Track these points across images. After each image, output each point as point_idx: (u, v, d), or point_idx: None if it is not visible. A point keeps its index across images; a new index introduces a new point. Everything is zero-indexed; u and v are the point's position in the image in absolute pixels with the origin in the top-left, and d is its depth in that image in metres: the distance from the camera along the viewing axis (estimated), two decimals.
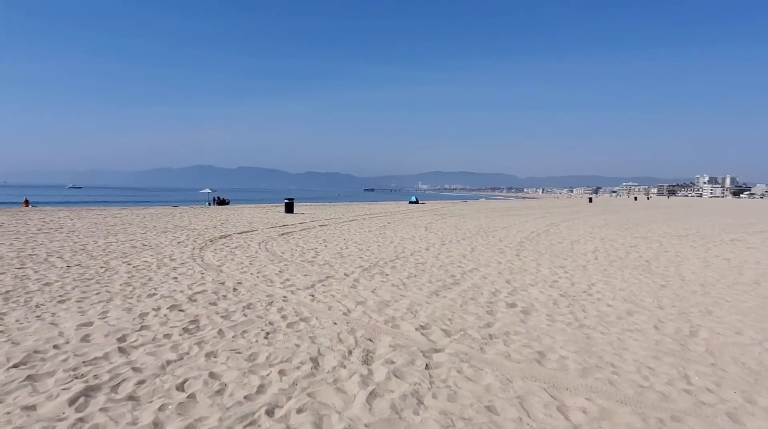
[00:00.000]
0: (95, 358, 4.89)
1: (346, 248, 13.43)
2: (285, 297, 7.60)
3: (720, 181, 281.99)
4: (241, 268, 10.06)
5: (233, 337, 5.67)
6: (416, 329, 6.08)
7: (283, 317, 6.50)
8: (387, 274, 9.63)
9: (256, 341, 5.55)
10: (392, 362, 4.98)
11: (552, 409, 4.05)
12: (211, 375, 4.57)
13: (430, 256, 12.16)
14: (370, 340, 5.65)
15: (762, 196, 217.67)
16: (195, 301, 7.25)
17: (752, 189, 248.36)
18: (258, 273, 9.52)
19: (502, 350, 5.43)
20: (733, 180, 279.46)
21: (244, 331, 5.87)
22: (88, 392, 4.13)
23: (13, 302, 6.91)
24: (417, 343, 5.57)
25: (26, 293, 7.43)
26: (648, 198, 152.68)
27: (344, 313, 6.76)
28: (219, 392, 4.23)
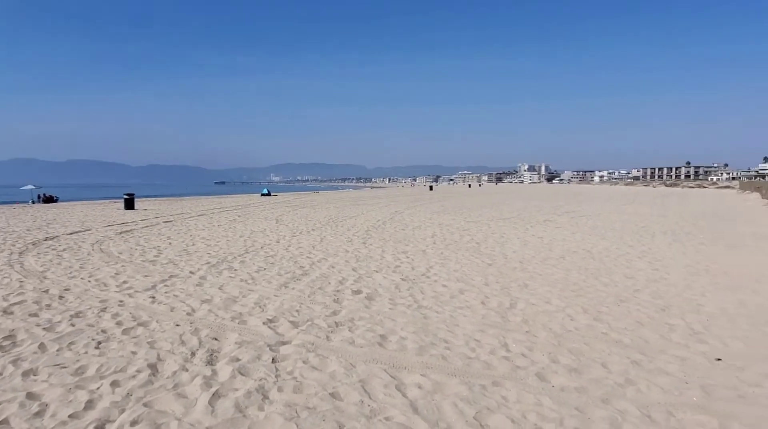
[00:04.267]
0: None
1: (193, 245, 12.67)
2: (121, 301, 6.94)
3: (537, 169, 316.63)
4: (70, 272, 8.98)
5: (58, 350, 5.04)
6: (264, 323, 5.94)
7: (118, 323, 5.92)
8: (236, 270, 9.28)
9: (86, 352, 4.99)
10: (238, 360, 4.81)
11: (391, 388, 4.22)
12: (29, 395, 4.01)
13: (280, 249, 11.98)
14: (216, 339, 5.40)
15: (569, 181, 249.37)
16: (11, 313, 6.31)
17: (561, 175, 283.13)
18: (90, 277, 8.57)
19: (347, 337, 5.53)
20: (547, 168, 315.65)
21: (71, 343, 5.25)
22: None
23: None
24: (264, 338, 5.45)
25: None
26: (480, 185, 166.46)
27: (188, 314, 6.37)
28: (38, 414, 3.73)
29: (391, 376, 4.46)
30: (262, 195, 51.82)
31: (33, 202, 40.90)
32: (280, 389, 4.18)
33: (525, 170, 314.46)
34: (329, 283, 8.21)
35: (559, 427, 3.63)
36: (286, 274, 8.85)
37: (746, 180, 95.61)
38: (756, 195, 41.90)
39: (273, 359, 4.85)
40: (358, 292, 7.61)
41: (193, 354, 4.96)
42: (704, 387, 4.36)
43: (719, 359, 5.03)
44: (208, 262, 10.03)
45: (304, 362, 4.77)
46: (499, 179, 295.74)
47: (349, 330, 5.76)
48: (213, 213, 25.09)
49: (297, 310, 6.53)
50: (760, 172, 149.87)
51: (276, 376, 4.44)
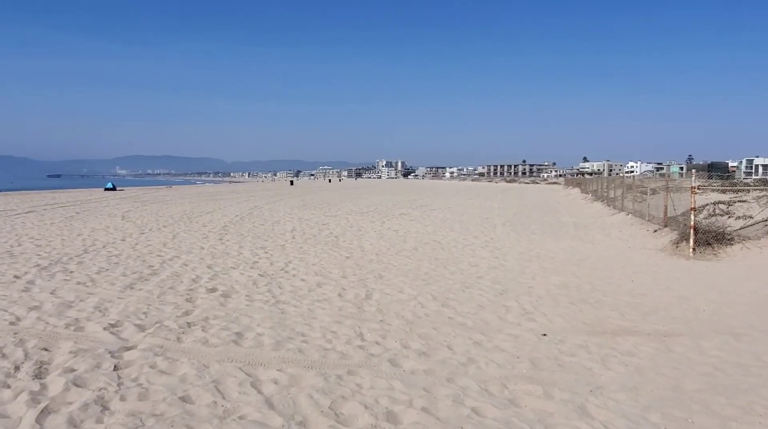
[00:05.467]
0: None
1: (19, 245, 11.10)
2: None
3: (394, 165, 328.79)
4: None
5: None
6: (104, 328, 5.42)
7: None
8: (72, 272, 8.32)
9: None
10: (73, 370, 4.33)
11: (246, 386, 4.12)
12: None
13: (126, 247, 11.00)
14: (45, 350, 4.80)
15: (423, 176, 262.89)
16: None
17: (416, 171, 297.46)
18: None
19: (201, 336, 5.27)
20: (403, 164, 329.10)
21: None
22: None
23: None
24: (105, 344, 4.97)
25: None
26: (340, 180, 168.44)
27: (11, 323, 5.57)
28: None
29: (246, 374, 4.35)
30: (106, 189, 47.09)
31: None
32: (122, 398, 3.85)
33: (383, 166, 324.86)
34: (182, 282, 7.74)
35: (408, 408, 3.84)
36: (132, 275, 8.16)
37: (570, 177, 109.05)
38: (577, 190, 47.86)
39: (115, 366, 4.45)
40: (213, 290, 7.28)
41: (17, 368, 4.36)
42: (532, 360, 4.90)
43: (545, 334, 5.69)
44: (38, 265, 8.86)
45: (151, 367, 4.46)
46: (358, 174, 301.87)
47: (202, 329, 5.49)
48: (45, 209, 22.22)
49: (144, 313, 6.06)
50: (580, 170, 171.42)
51: (118, 385, 4.08)
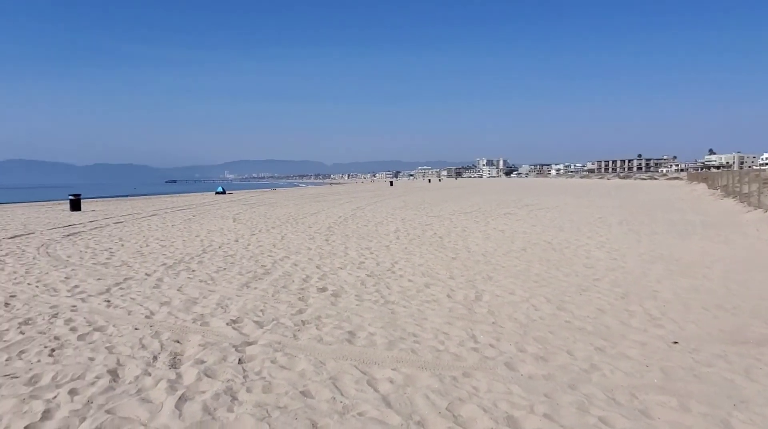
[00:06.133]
0: None
1: (147, 246, 12.33)
2: (74, 306, 6.70)
3: (495, 163, 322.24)
4: (15, 278, 8.59)
5: (7, 360, 4.84)
6: (227, 324, 5.86)
7: (72, 329, 5.72)
8: (194, 270, 9.09)
9: (38, 361, 4.80)
10: (203, 362, 4.74)
11: (362, 384, 4.25)
12: None
13: (240, 248, 11.80)
14: (178, 342, 5.29)
15: (527, 174, 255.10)
16: None
17: (519, 169, 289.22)
18: (38, 282, 8.23)
19: (315, 334, 5.52)
20: (505, 162, 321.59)
21: (22, 352, 5.04)
22: None
23: None
24: (228, 339, 5.38)
25: None
26: (439, 180, 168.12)
27: (147, 317, 6.21)
28: None
29: (362, 372, 4.49)
30: (217, 193, 50.82)
31: None
32: (248, 390, 4.14)
33: (483, 165, 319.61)
34: (293, 281, 8.16)
35: (529, 414, 3.75)
36: (247, 274, 8.74)
37: (693, 172, 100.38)
38: (703, 186, 43.98)
39: (239, 360, 4.79)
40: (323, 289, 7.59)
41: (155, 358, 4.85)
42: (663, 369, 4.58)
43: (676, 342, 5.28)
44: (164, 264, 9.78)
45: (272, 362, 4.74)
46: (458, 174, 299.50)
47: (316, 328, 5.75)
48: (166, 212, 24.46)
49: (261, 310, 6.47)
50: (706, 163, 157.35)
51: (244, 377, 4.39)
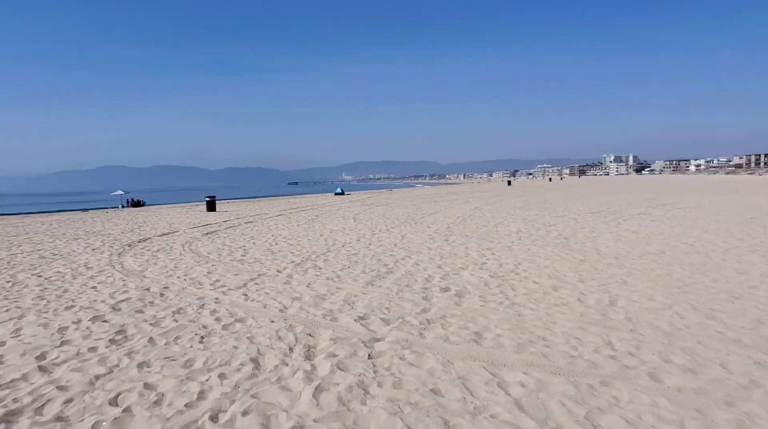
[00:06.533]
0: (12, 381, 4.54)
1: (276, 244, 13.21)
2: (217, 298, 7.39)
3: (624, 159, 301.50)
4: (166, 271, 9.65)
5: (165, 344, 5.46)
6: (355, 320, 6.12)
7: (217, 319, 6.32)
8: (320, 268, 9.58)
9: (191, 346, 5.37)
10: (335, 355, 4.99)
11: (493, 385, 4.23)
12: (146, 386, 4.38)
13: (362, 247, 12.23)
14: (310, 336, 5.63)
15: (660, 171, 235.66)
16: (119, 310, 6.89)
17: (652, 166, 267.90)
18: (185, 276, 9.17)
19: (441, 334, 5.58)
20: (635, 158, 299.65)
21: (177, 337, 5.66)
22: (8, 417, 3.84)
23: None
24: (357, 334, 5.61)
25: None
26: (561, 178, 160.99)
27: (280, 311, 6.67)
28: (156, 403, 4.07)
29: (491, 374, 4.46)
30: (336, 194, 52.99)
31: (123, 207, 44.13)
32: (380, 384, 4.30)
33: (611, 161, 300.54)
34: (416, 280, 8.30)
35: None
36: (370, 272, 9.04)
37: None
38: None
39: (369, 355, 4.99)
40: (446, 289, 7.64)
41: (291, 349, 5.20)
42: None
43: None
44: (293, 261, 10.42)
45: (400, 359, 4.88)
46: (582, 172, 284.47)
47: (441, 327, 5.81)
48: (290, 213, 25.98)
49: (387, 308, 6.66)
50: None
51: (374, 372, 4.57)
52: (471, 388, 4.18)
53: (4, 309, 7.06)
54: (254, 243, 13.62)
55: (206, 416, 3.81)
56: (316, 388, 4.23)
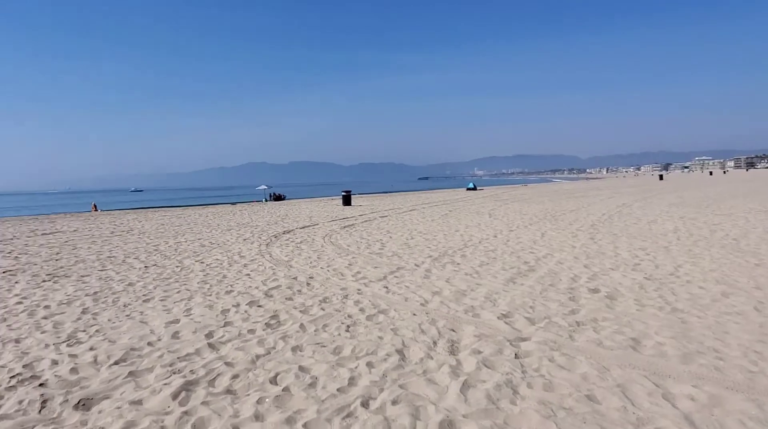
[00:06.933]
0: (188, 354, 5.15)
1: (412, 238, 13.47)
2: (359, 290, 7.72)
3: None
4: (310, 262, 10.29)
5: (315, 331, 5.82)
6: (498, 318, 6.04)
7: (361, 310, 6.60)
8: (458, 264, 9.60)
9: (339, 334, 5.67)
10: (479, 352, 4.98)
11: (657, 397, 3.94)
12: (301, 368, 4.71)
13: (500, 243, 12.03)
14: (453, 331, 5.66)
15: None
16: (271, 296, 7.48)
17: None
18: (328, 267, 9.71)
19: (593, 337, 5.31)
20: None
21: (325, 325, 6.01)
22: (188, 387, 4.35)
23: (102, 302, 7.36)
24: (501, 332, 5.54)
25: (113, 294, 7.90)
26: (724, 172, 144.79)
27: (422, 304, 6.80)
28: (311, 385, 4.36)
29: (654, 384, 4.16)
30: (468, 189, 52.64)
31: (266, 201, 47.83)
32: (529, 385, 4.21)
33: None
34: (560, 279, 7.98)
35: None
36: (510, 269, 8.86)
37: None
38: None
39: (516, 355, 4.90)
40: (595, 290, 7.25)
41: (434, 343, 5.28)
42: None
43: None
44: (430, 256, 10.55)
45: (549, 360, 4.73)
46: (750, 164, 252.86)
47: (593, 330, 5.52)
48: (423, 208, 26.31)
49: (531, 307, 6.49)
50: None
51: (522, 372, 4.48)
52: (632, 398, 3.93)
53: (176, 291, 8.01)
54: (390, 237, 14.00)
55: (358, 402, 4.00)
56: (463, 384, 4.25)
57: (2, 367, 4.87)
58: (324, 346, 5.29)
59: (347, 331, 5.78)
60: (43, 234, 17.73)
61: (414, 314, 6.32)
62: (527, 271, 8.74)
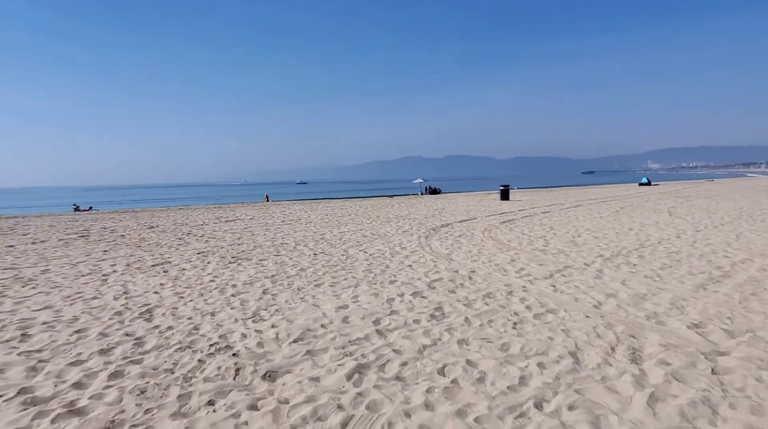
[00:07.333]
0: (358, 339, 5.41)
1: (579, 236, 12.77)
2: (524, 286, 7.51)
3: None
4: (471, 256, 10.24)
5: (480, 325, 5.77)
6: (688, 327, 5.46)
7: (527, 307, 6.41)
8: (634, 265, 8.88)
9: (505, 331, 5.56)
10: (667, 363, 4.54)
11: None
12: (468, 362, 4.69)
13: (684, 245, 10.89)
14: (633, 337, 5.24)
15: None
16: (434, 288, 7.58)
17: None
18: (489, 262, 9.58)
19: None
20: None
21: (490, 320, 5.93)
22: (360, 369, 4.57)
23: (279, 285, 8.06)
24: (693, 344, 5.00)
25: (287, 277, 8.60)
26: None
27: (594, 306, 6.40)
28: (480, 380, 4.32)
29: None
30: (641, 184, 48.57)
31: (422, 194, 48.73)
32: (732, 406, 3.74)
33: None
34: (764, 289, 6.99)
35: None
36: (700, 274, 7.97)
37: None
38: None
39: (713, 370, 4.39)
40: None
41: (612, 349, 4.93)
42: None
43: None
44: (601, 255, 9.90)
45: (756, 380, 4.16)
46: None
47: None
48: (589, 204, 24.85)
49: (728, 318, 5.77)
50: None
51: (723, 390, 3.99)
52: None
53: (343, 278, 8.48)
54: (554, 233, 13.42)
55: (530, 402, 3.88)
56: (650, 396, 3.90)
57: (202, 336, 5.57)
58: (490, 342, 5.22)
59: (514, 328, 5.65)
60: (226, 221, 19.93)
61: (587, 316, 5.97)
62: (721, 277, 7.80)
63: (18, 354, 5.11)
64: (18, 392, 4.22)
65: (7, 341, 5.52)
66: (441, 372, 4.52)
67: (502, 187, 30.64)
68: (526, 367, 4.57)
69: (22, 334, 5.73)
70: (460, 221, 17.47)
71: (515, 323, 5.81)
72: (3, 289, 8.06)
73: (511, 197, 31.37)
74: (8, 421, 3.76)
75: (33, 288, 8.16)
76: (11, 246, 13.47)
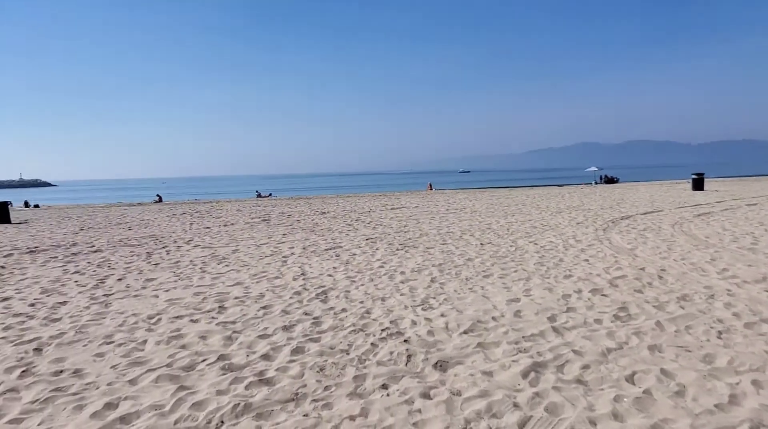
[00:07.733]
0: (532, 335, 5.16)
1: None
2: (729, 290, 6.59)
3: None
4: (659, 253, 9.28)
5: (675, 331, 5.17)
6: None
7: (735, 315, 5.59)
8: None
9: (707, 340, 4.90)
10: None
11: None
12: (663, 372, 4.21)
13: None
14: None
15: None
16: (616, 286, 6.99)
17: None
18: (682, 259, 8.59)
19: None
20: None
21: (688, 327, 5.28)
22: (536, 368, 4.34)
23: (446, 274, 8.04)
24: None
25: (455, 267, 8.55)
26: None
27: None
28: (678, 393, 3.84)
29: None
30: None
31: (596, 183, 45.77)
32: None
33: None
34: None
35: None
36: None
37: None
38: None
39: None
40: None
41: None
42: None
43: None
44: None
45: None
46: None
47: None
48: None
49: None
50: None
51: None
52: None
53: (513, 270, 8.21)
54: (765, 229, 11.66)
55: (745, 426, 3.35)
56: None
57: (374, 320, 5.75)
58: (689, 351, 4.64)
59: (719, 337, 4.96)
60: (392, 208, 20.57)
61: None
62: None
63: (216, 324, 5.75)
64: (218, 358, 4.74)
65: (208, 311, 6.27)
66: (630, 379, 4.11)
67: (694, 176, 27.53)
68: (738, 384, 3.97)
69: (219, 307, 6.46)
70: (644, 213, 16.00)
71: (720, 332, 5.10)
72: (203, 266, 9.19)
73: (705, 187, 28.05)
74: (211, 383, 4.21)
75: (226, 265, 9.18)
76: (208, 227, 15.38)
